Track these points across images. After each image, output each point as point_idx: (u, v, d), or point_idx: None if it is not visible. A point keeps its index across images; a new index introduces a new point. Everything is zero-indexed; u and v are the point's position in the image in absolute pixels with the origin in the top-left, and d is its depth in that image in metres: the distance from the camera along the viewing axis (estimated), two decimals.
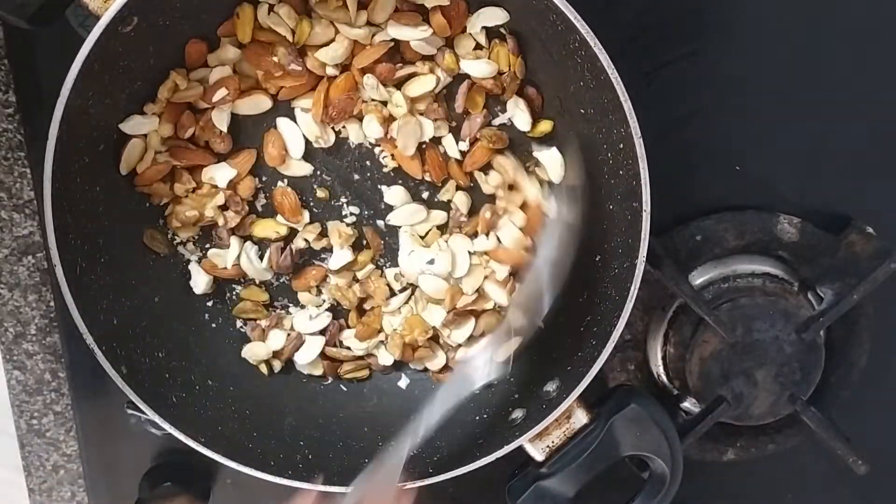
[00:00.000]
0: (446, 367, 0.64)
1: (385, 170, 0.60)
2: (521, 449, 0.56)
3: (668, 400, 0.67)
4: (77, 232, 0.53)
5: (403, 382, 0.65)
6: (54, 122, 0.50)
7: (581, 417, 0.57)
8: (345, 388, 0.64)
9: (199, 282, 0.61)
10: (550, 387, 0.58)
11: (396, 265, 0.62)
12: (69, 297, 0.52)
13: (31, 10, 0.50)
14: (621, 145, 0.53)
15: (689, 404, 0.66)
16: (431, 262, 0.60)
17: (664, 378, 0.67)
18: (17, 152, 0.64)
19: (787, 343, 0.63)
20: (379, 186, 0.61)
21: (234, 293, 0.63)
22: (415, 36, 0.57)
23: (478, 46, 0.58)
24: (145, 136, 0.58)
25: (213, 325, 0.63)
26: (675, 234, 0.65)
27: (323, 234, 0.61)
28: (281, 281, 0.63)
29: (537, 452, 0.57)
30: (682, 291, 0.61)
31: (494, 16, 0.57)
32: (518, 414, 0.58)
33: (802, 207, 0.65)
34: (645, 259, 0.53)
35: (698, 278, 0.65)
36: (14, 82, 0.62)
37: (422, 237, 0.62)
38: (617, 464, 0.56)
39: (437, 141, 0.60)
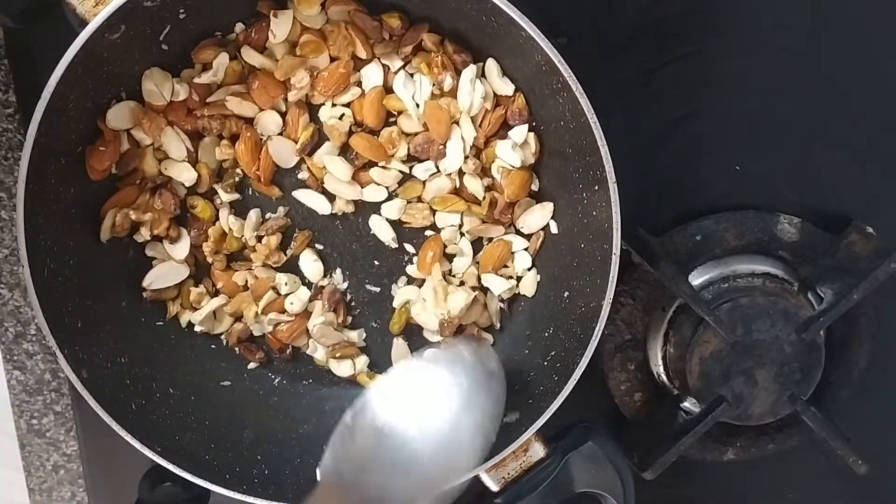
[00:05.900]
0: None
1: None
2: (476, 478, 0.56)
3: (668, 400, 0.67)
4: (48, 232, 0.53)
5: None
6: (33, 122, 0.50)
7: (538, 451, 0.57)
8: (305, 402, 0.63)
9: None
10: (510, 418, 0.57)
11: None
12: (34, 297, 0.52)
13: (16, 9, 0.50)
14: (596, 187, 0.53)
15: (689, 404, 0.66)
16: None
17: (664, 378, 0.67)
18: (17, 152, 0.64)
19: (787, 343, 0.63)
20: None
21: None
22: None
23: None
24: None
25: (178, 333, 0.62)
26: (675, 234, 0.65)
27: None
28: None
29: (493, 483, 0.57)
30: (681, 291, 0.61)
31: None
32: None
33: (802, 207, 0.65)
34: (611, 301, 0.53)
35: (698, 278, 0.65)
36: (14, 82, 0.62)
37: None
38: (570, 499, 0.57)
39: None
